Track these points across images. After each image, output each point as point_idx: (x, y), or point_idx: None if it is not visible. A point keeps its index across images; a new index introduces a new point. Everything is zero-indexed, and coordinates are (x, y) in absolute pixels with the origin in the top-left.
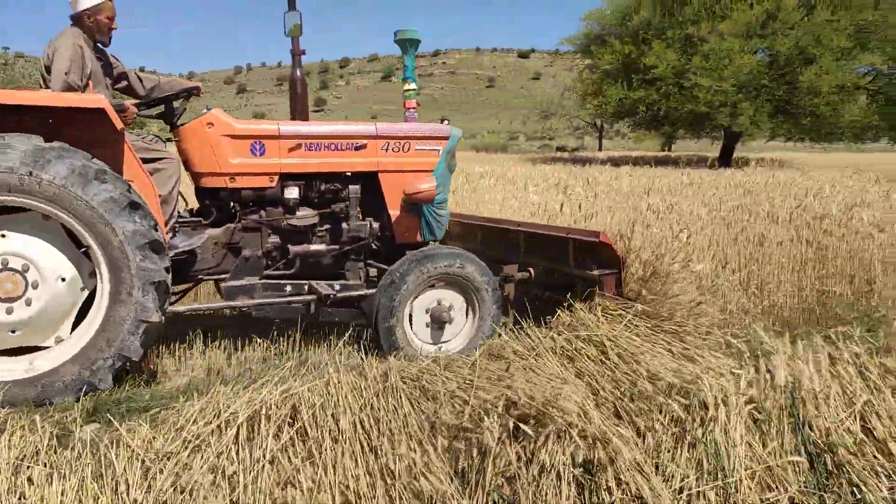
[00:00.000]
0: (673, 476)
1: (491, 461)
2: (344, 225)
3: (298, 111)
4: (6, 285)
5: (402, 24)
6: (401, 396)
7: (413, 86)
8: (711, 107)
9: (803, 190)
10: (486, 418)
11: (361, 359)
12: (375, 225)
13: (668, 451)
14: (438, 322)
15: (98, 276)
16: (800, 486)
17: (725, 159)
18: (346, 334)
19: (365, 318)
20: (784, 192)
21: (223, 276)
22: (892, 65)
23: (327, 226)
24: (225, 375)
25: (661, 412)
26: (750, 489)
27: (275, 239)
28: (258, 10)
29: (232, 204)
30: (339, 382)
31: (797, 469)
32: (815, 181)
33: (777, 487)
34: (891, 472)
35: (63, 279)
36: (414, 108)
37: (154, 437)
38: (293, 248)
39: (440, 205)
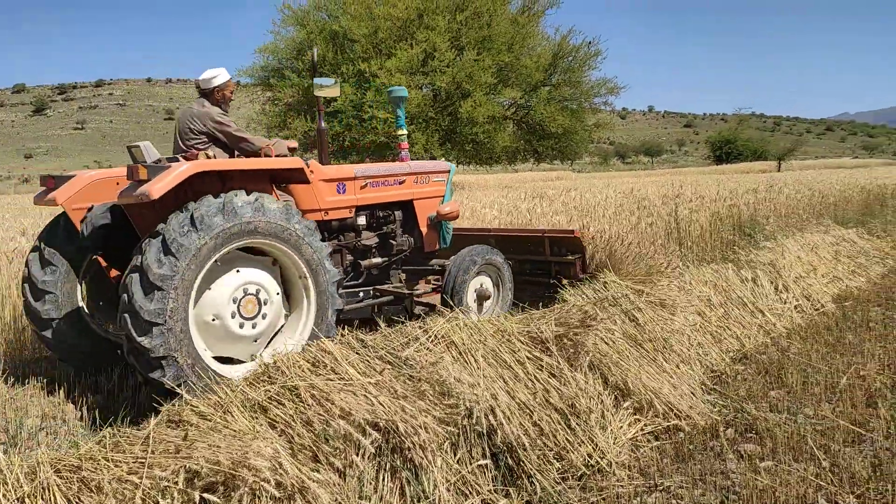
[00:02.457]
0: None
1: None
2: (392, 241)
3: (323, 155)
4: (248, 307)
5: (41, 52)
6: (54, 496)
7: (404, 131)
8: (389, 137)
9: (470, 210)
10: (161, 500)
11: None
12: (411, 240)
13: (371, 483)
14: (481, 298)
15: (304, 285)
16: (490, 487)
17: None
18: None
19: (406, 312)
20: None
21: None
22: (527, 98)
23: (382, 243)
24: None
25: (358, 447)
26: (448, 502)
27: (350, 257)
28: None
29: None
30: None
31: (486, 471)
32: (479, 202)
33: (471, 493)
34: (559, 454)
35: (278, 293)
36: (406, 148)
37: None
38: (363, 263)
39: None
